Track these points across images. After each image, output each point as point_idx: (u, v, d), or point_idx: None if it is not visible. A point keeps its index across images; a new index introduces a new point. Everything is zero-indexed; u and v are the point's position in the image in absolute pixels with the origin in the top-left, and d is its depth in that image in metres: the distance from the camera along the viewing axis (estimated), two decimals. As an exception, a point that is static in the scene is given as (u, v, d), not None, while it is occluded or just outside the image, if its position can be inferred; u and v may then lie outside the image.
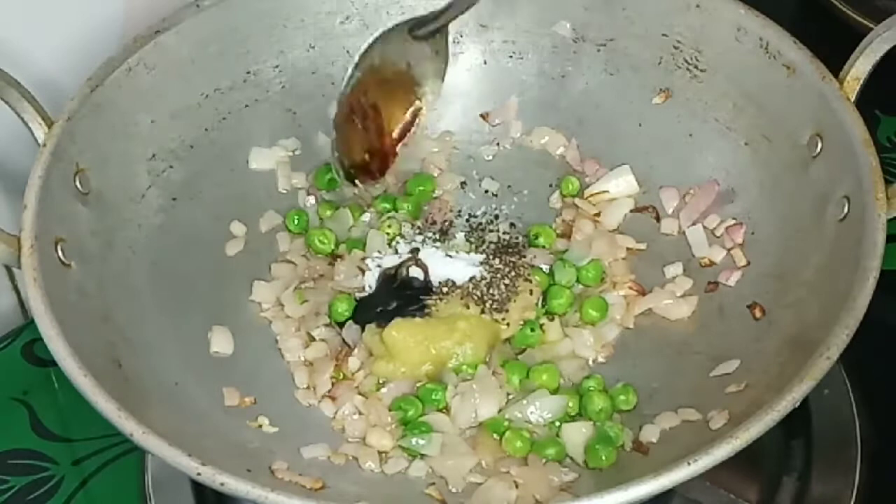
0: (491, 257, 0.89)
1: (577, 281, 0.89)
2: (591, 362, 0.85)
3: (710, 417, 0.77)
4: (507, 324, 0.86)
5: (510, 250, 0.90)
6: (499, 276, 0.88)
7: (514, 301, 0.86)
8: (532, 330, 0.86)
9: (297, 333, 0.87)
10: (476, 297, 0.86)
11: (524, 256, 0.90)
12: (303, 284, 0.89)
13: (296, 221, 0.93)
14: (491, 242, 0.91)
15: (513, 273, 0.88)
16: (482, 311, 0.86)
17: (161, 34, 0.89)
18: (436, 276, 0.88)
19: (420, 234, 0.92)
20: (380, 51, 0.89)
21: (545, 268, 0.89)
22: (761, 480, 0.85)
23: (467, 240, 0.92)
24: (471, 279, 0.87)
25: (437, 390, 0.82)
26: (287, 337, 0.87)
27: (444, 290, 0.87)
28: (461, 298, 0.86)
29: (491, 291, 0.87)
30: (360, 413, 0.82)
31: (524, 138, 0.98)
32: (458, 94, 0.98)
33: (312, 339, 0.87)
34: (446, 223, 0.93)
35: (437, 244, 0.91)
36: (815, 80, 0.84)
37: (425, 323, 0.85)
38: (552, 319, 0.87)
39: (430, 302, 0.86)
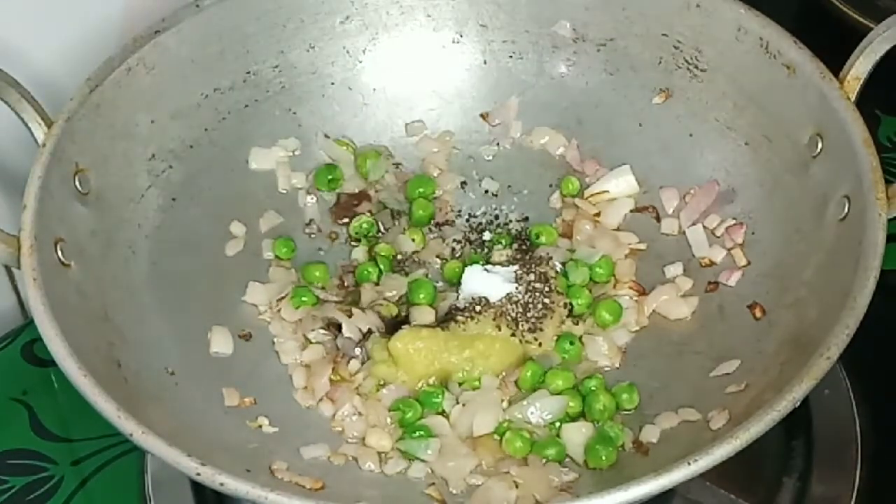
0: (526, 272, 0.87)
1: (590, 279, 0.88)
2: (605, 368, 0.85)
3: (711, 417, 0.77)
4: (540, 343, 0.85)
5: (536, 258, 0.88)
6: (536, 294, 0.85)
7: (550, 318, 0.85)
8: (571, 343, 0.85)
9: (294, 336, 0.87)
10: (510, 319, 0.84)
11: (548, 259, 0.88)
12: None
13: (284, 250, 0.91)
14: (525, 251, 0.89)
15: (547, 288, 0.86)
16: (513, 334, 0.84)
17: (161, 34, 0.88)
18: (470, 291, 0.86)
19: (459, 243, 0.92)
20: None
21: (559, 266, 0.88)
22: (761, 481, 0.85)
23: (506, 246, 0.90)
24: (506, 296, 0.85)
25: (437, 393, 0.82)
26: (284, 339, 0.87)
27: (477, 308, 0.85)
28: (493, 319, 0.84)
29: (527, 314, 0.85)
30: (360, 414, 0.82)
31: (524, 138, 0.97)
32: (457, 94, 0.98)
33: (309, 341, 0.86)
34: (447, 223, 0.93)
35: (476, 251, 0.91)
36: (816, 80, 0.84)
37: (432, 336, 0.83)
38: (576, 323, 0.86)
39: (460, 318, 0.84)
